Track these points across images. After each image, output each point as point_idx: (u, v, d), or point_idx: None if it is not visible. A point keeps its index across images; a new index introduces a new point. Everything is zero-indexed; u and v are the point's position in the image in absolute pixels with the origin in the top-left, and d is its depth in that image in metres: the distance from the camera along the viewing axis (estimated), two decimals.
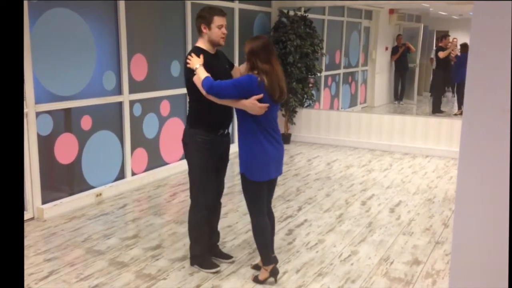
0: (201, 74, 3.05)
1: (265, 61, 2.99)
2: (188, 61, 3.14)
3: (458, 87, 10.37)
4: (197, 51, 3.18)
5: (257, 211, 3.18)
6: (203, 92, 3.04)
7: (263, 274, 3.26)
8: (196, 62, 3.10)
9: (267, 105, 3.00)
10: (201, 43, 3.23)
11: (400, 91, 11.38)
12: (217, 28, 3.16)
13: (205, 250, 3.46)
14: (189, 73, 3.14)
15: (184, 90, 6.01)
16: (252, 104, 2.97)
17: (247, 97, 2.98)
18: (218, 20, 3.16)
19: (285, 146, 7.42)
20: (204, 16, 3.17)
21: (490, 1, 1.31)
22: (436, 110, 9.82)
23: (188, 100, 3.44)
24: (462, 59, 9.56)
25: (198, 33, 3.25)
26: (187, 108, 3.48)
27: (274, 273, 3.26)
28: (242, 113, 3.07)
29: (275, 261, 3.29)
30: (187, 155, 3.38)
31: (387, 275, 3.41)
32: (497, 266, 1.39)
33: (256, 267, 3.42)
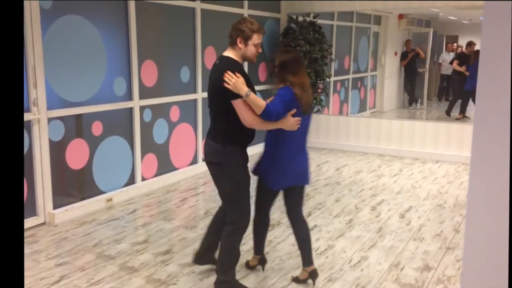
0: (258, 101, 2.88)
1: (294, 74, 3.02)
2: (227, 80, 2.84)
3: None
4: (235, 65, 2.94)
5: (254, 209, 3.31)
6: (251, 120, 2.90)
7: (303, 274, 3.33)
8: (243, 87, 2.84)
9: (299, 119, 3.01)
10: (234, 55, 2.99)
11: (413, 96, 11.35)
12: (253, 46, 2.97)
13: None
14: (228, 92, 2.86)
15: (193, 96, 6.08)
16: (287, 120, 2.96)
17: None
18: (256, 38, 2.97)
19: None
20: (243, 30, 2.95)
21: (501, 0, 1.29)
22: (463, 113, 9.89)
23: (213, 115, 3.09)
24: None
25: (230, 43, 3.01)
26: (215, 126, 3.08)
27: (313, 275, 3.30)
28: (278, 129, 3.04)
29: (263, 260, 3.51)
30: (222, 176, 3.05)
31: (398, 281, 3.39)
32: (509, 272, 1.38)
33: (296, 280, 3.38)
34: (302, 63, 3.13)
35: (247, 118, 2.91)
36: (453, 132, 6.90)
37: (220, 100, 2.95)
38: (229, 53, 3.02)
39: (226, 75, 2.85)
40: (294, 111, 2.98)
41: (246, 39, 2.96)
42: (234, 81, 2.84)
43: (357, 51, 9.77)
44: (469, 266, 1.49)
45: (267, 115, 2.90)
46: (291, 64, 3.03)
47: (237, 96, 2.87)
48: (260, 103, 2.89)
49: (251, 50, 2.99)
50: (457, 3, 7.10)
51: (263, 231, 3.42)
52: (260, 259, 3.51)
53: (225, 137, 3.01)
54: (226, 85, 2.85)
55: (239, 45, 2.97)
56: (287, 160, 3.09)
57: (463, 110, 9.82)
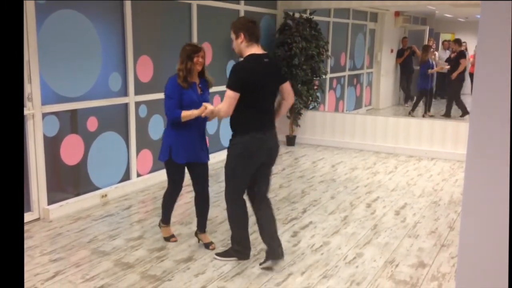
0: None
1: None
2: None
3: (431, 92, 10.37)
4: None
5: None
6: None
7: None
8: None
9: None
10: None
11: (408, 93, 11.37)
12: None
13: None
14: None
15: None
16: None
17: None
18: None
19: (290, 148, 7.45)
20: None
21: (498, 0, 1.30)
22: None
23: (269, 105, 3.55)
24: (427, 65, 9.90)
25: (259, 40, 3.47)
26: (271, 115, 3.56)
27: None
28: None
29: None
30: None
31: (392, 278, 3.40)
32: (504, 269, 1.39)
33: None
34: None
35: None
36: (448, 130, 6.92)
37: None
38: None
39: None
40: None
41: None
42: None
43: (353, 48, 9.77)
44: (464, 263, 1.49)
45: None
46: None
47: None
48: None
49: None
50: (453, 1, 7.10)
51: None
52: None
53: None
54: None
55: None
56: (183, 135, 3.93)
57: (429, 109, 10.01)
